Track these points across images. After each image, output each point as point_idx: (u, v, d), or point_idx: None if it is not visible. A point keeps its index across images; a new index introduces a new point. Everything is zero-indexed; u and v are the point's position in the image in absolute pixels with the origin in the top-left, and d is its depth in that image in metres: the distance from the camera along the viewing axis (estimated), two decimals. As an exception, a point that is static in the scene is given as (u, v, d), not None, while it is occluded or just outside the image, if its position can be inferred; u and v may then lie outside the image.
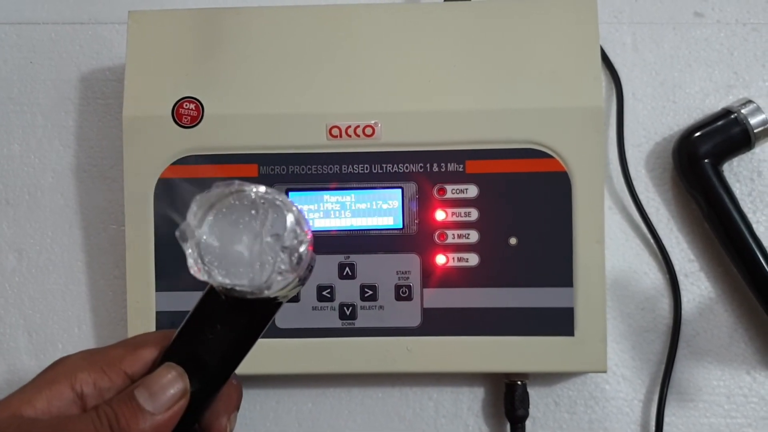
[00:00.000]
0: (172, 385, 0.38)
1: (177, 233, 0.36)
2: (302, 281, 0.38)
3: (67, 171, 0.69)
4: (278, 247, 0.36)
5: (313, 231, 0.37)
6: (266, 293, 0.36)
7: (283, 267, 0.36)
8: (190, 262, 0.36)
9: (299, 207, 0.37)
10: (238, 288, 0.36)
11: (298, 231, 0.36)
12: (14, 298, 0.68)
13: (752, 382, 0.65)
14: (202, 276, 0.36)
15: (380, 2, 0.66)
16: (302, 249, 0.36)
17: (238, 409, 0.44)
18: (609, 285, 0.65)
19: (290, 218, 0.36)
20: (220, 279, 0.36)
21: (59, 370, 0.40)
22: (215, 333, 0.39)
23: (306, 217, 0.37)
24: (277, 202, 0.37)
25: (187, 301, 0.58)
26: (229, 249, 0.36)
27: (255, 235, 0.36)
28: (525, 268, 0.59)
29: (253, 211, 0.37)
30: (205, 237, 0.36)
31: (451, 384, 0.66)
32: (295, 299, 0.59)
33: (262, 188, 0.37)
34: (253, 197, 0.37)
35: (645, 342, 0.65)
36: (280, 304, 0.39)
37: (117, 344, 0.42)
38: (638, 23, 0.69)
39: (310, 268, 0.38)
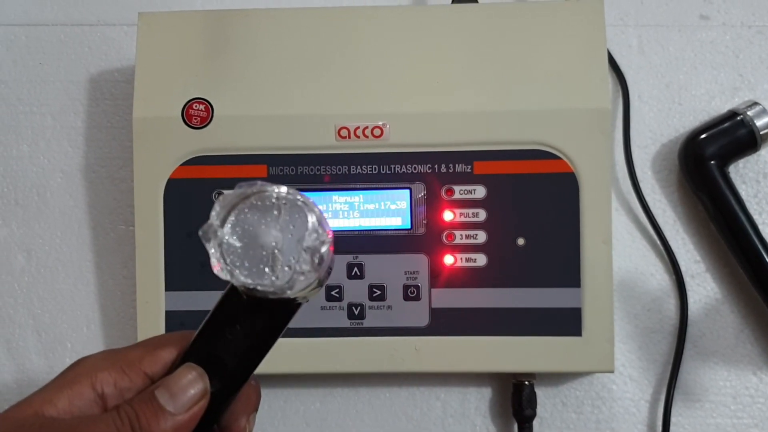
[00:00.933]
0: (192, 386, 0.38)
1: (200, 233, 0.36)
2: (321, 283, 0.38)
3: (76, 172, 0.69)
4: (300, 248, 0.36)
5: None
6: (288, 294, 0.36)
7: (305, 267, 0.36)
8: (213, 261, 0.36)
9: (320, 208, 0.37)
10: (260, 288, 0.36)
11: (320, 231, 0.37)
12: (23, 297, 0.68)
13: (758, 383, 0.65)
14: (224, 275, 0.37)
15: (388, 4, 0.66)
16: (324, 249, 0.37)
17: (256, 410, 0.44)
18: (616, 286, 0.65)
19: (312, 219, 0.37)
20: (243, 279, 0.36)
21: (80, 370, 0.40)
22: (235, 333, 0.39)
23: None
24: (299, 203, 0.37)
25: (197, 301, 0.60)
26: (251, 249, 0.37)
27: (277, 235, 0.37)
28: (532, 269, 0.60)
29: (275, 212, 0.37)
30: (227, 237, 0.37)
31: (459, 384, 0.66)
32: (305, 299, 0.59)
33: (284, 189, 0.37)
34: (275, 198, 0.37)
35: (651, 343, 0.66)
36: (299, 305, 0.39)
37: (136, 345, 0.42)
38: (644, 26, 0.69)
39: (329, 270, 0.38)
